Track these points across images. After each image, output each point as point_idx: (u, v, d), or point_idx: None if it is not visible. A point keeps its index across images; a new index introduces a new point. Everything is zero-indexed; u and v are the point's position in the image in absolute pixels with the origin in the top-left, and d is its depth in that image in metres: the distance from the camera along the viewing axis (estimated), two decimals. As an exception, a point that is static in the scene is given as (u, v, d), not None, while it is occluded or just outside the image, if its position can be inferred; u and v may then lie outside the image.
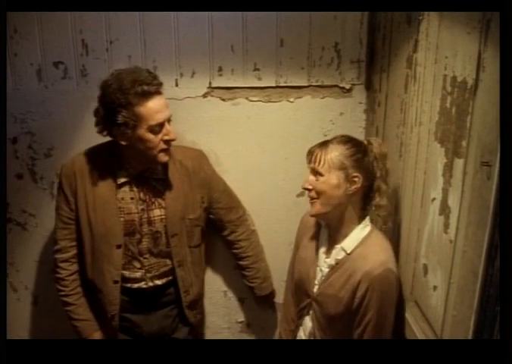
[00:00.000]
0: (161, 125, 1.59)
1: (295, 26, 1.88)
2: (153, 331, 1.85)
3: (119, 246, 1.71)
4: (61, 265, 1.77)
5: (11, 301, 2.18)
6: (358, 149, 1.44)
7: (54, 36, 1.88)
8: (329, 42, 1.91)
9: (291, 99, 1.98)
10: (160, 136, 1.60)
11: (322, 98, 1.97)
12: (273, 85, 1.95)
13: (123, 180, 1.69)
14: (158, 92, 1.58)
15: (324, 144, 1.46)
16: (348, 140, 1.46)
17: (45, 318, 2.23)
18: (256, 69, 1.94)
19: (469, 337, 1.06)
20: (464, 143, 1.10)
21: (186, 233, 1.80)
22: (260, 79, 1.95)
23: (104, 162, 1.70)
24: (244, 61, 1.93)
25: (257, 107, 1.98)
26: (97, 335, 1.82)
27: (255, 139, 2.02)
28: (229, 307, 2.24)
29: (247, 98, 1.97)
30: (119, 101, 1.52)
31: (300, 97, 1.97)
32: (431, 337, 1.31)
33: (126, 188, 1.70)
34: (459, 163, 1.13)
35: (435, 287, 1.28)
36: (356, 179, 1.42)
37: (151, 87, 1.54)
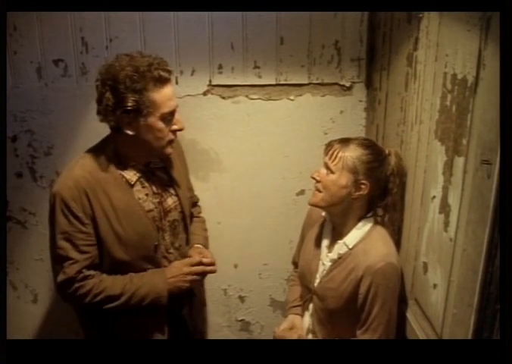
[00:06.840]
0: (172, 114, 1.52)
1: (295, 24, 1.88)
2: None
3: (156, 246, 1.61)
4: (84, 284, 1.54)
5: (11, 299, 2.19)
6: (376, 158, 1.43)
7: (54, 34, 1.88)
8: (329, 40, 1.90)
9: (292, 97, 1.97)
10: (169, 126, 1.52)
11: (322, 96, 1.97)
12: (273, 83, 1.95)
13: (134, 178, 1.57)
14: (170, 80, 1.51)
15: (344, 141, 1.45)
16: (369, 145, 1.44)
17: (45, 316, 2.23)
18: (256, 67, 1.93)
19: (470, 335, 1.06)
20: (464, 141, 1.10)
21: (189, 213, 1.81)
22: (260, 77, 1.94)
23: (110, 167, 1.54)
24: (244, 58, 1.92)
25: (257, 105, 1.98)
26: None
27: (255, 137, 2.01)
28: (229, 305, 2.24)
29: (247, 96, 1.97)
30: (133, 86, 1.42)
31: (300, 95, 1.97)
32: (431, 335, 1.31)
33: (139, 186, 1.59)
34: (459, 161, 1.13)
35: (435, 285, 1.28)
36: (363, 186, 1.42)
37: (166, 73, 1.47)
